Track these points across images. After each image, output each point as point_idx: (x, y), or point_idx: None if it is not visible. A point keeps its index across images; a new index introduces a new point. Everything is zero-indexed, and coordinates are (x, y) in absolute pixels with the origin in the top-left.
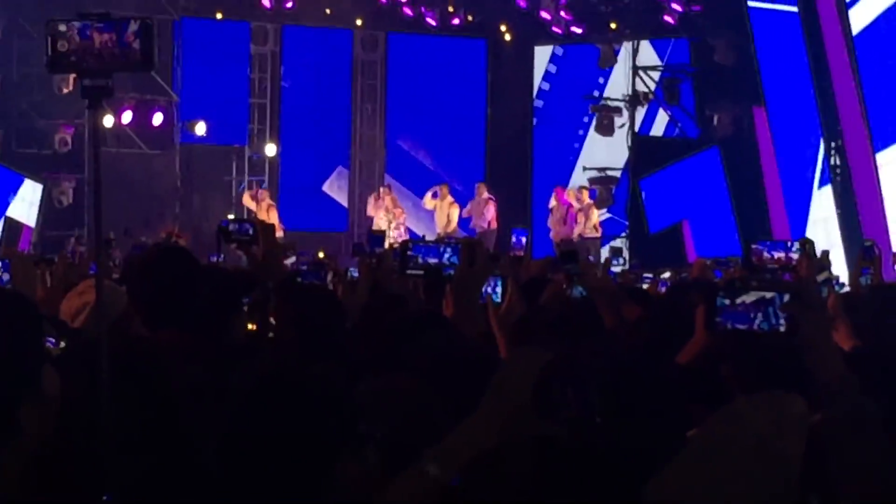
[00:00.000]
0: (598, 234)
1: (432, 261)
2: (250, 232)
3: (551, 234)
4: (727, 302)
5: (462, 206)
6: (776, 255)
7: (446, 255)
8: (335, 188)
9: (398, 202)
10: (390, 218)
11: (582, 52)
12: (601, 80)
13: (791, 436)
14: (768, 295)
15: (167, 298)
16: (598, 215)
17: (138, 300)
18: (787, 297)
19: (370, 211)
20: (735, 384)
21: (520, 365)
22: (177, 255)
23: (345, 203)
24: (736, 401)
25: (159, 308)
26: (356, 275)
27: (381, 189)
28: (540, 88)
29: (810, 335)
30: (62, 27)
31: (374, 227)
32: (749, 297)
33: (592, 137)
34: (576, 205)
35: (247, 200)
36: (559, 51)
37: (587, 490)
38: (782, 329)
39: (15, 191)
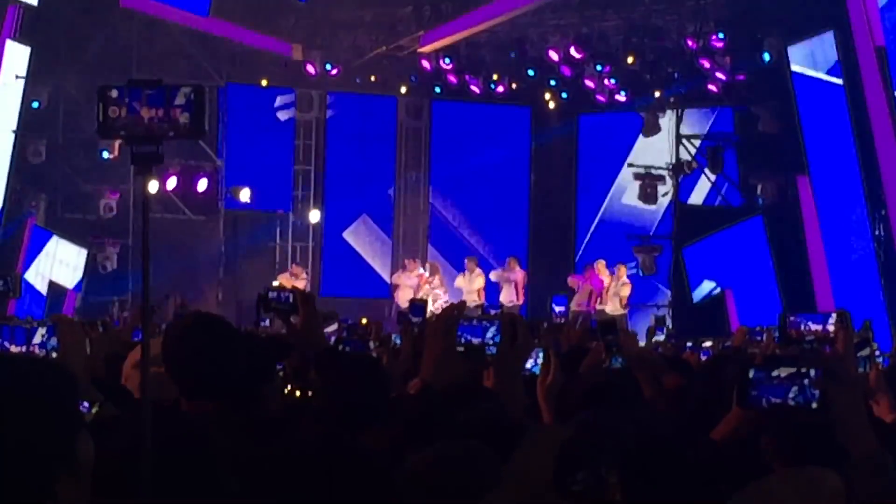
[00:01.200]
0: (626, 312)
1: (475, 340)
2: (290, 301)
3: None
4: (762, 375)
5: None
6: (813, 326)
7: (489, 334)
8: (354, 237)
9: (443, 279)
10: (427, 290)
11: (626, 119)
12: (644, 148)
13: None
14: (802, 369)
15: (201, 367)
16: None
17: (173, 368)
18: (818, 373)
19: (395, 279)
20: (775, 457)
21: (545, 441)
22: (212, 323)
23: (362, 252)
24: (772, 475)
25: (194, 376)
26: (399, 342)
27: (429, 264)
28: (584, 156)
29: (842, 411)
30: (114, 93)
31: (409, 297)
32: (783, 372)
33: (636, 204)
34: (609, 281)
35: (284, 281)
36: (603, 118)
37: None
38: (815, 405)
39: (61, 255)
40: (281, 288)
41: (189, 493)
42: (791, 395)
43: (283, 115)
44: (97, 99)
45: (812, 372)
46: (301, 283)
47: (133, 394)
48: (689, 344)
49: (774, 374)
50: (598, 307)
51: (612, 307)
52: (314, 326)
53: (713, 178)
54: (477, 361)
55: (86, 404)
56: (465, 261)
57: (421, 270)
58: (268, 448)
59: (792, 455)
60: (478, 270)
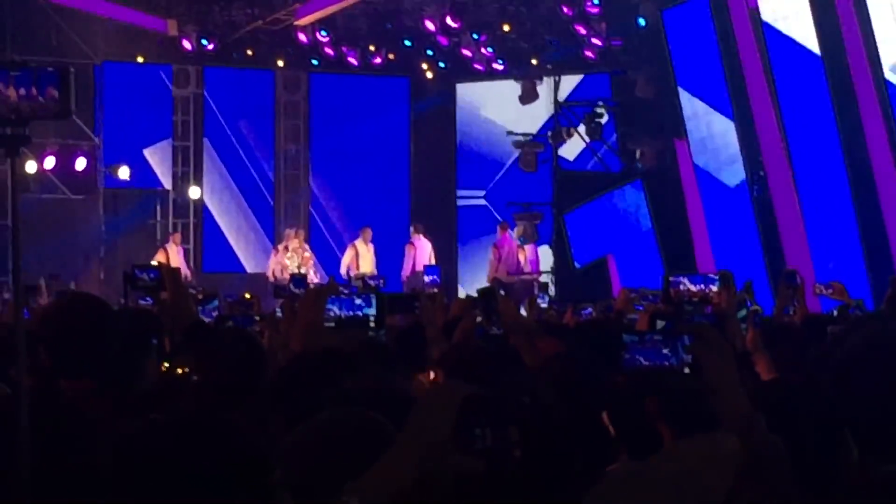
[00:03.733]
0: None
1: (355, 313)
2: (157, 277)
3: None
4: (635, 339)
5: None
6: (694, 288)
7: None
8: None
9: (305, 246)
10: (298, 261)
11: (504, 87)
12: (523, 116)
13: (717, 471)
14: (673, 335)
15: (77, 345)
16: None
17: (51, 348)
18: (690, 338)
19: (271, 264)
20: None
21: (439, 399)
22: (86, 302)
23: (243, 227)
24: (675, 442)
25: (71, 355)
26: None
27: (289, 231)
28: (462, 125)
29: (712, 375)
30: None
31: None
32: (657, 335)
33: (516, 173)
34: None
35: (161, 257)
36: (481, 87)
37: None
38: (687, 369)
39: None
40: (147, 266)
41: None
42: (663, 357)
43: (159, 92)
44: None
45: (685, 337)
46: (176, 252)
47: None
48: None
49: (648, 337)
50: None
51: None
52: (182, 301)
53: (592, 143)
54: (355, 334)
55: None
56: (361, 231)
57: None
58: (138, 424)
59: (675, 417)
60: (371, 244)
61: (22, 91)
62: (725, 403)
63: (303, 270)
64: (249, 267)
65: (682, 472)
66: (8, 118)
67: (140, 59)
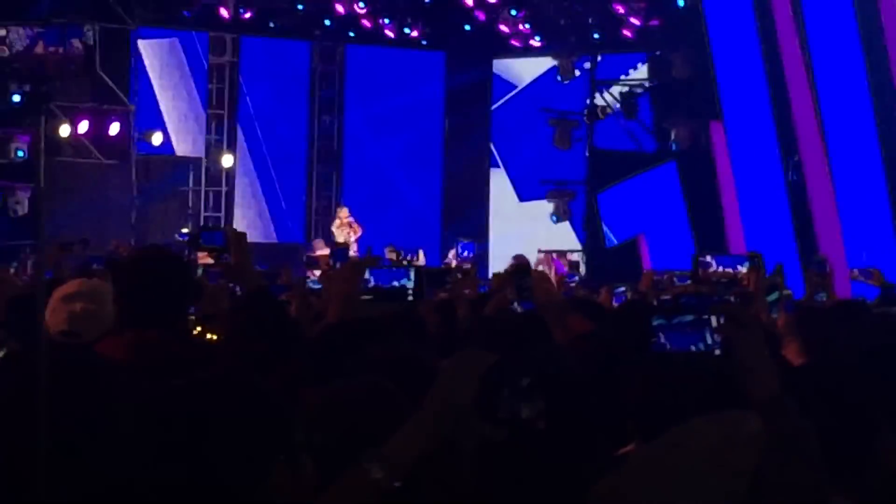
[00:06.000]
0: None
1: (396, 283)
2: (222, 241)
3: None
4: (664, 322)
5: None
6: (724, 269)
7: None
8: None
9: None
10: (348, 234)
11: (540, 64)
12: (559, 94)
13: (742, 451)
14: (704, 316)
15: (151, 297)
16: None
17: (123, 298)
18: (721, 319)
19: (334, 228)
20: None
21: (463, 367)
22: (161, 255)
23: (276, 196)
24: (693, 419)
25: (143, 306)
26: (316, 286)
27: (339, 209)
28: (498, 101)
29: (745, 356)
30: (2, 32)
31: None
32: (686, 318)
33: (550, 150)
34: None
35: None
36: (518, 63)
37: (527, 493)
38: (717, 351)
39: None
40: (215, 227)
41: (85, 431)
42: (693, 342)
43: (195, 60)
44: None
45: (713, 319)
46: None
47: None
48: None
49: (676, 321)
50: None
51: None
52: (247, 266)
53: (627, 123)
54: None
55: None
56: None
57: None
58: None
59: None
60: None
61: (46, 49)
62: (755, 384)
63: (349, 240)
64: (280, 236)
65: (706, 447)
66: (32, 75)
67: (177, 26)
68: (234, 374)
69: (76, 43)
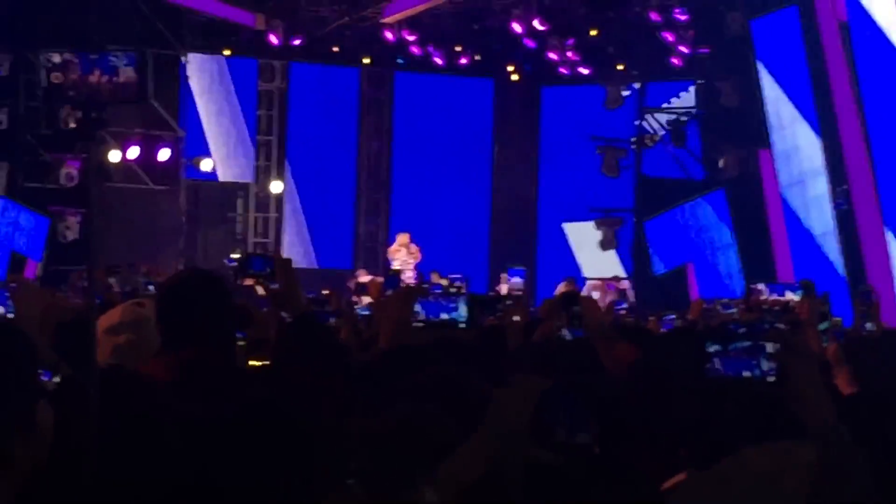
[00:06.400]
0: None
1: (443, 315)
2: (269, 268)
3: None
4: (719, 349)
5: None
6: (776, 296)
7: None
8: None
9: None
10: (407, 258)
11: (588, 93)
12: (607, 121)
13: (795, 480)
14: (759, 343)
15: (196, 320)
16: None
17: (169, 317)
18: (776, 346)
19: (391, 252)
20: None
21: (519, 392)
22: (208, 277)
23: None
24: (746, 449)
25: (184, 326)
26: (364, 313)
27: (399, 235)
28: (546, 128)
29: (800, 384)
30: (56, 59)
31: (392, 268)
32: (741, 344)
33: (598, 178)
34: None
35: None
36: (566, 91)
37: None
38: (771, 378)
39: (21, 225)
40: (261, 254)
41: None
42: (748, 368)
43: (244, 86)
44: (41, 65)
45: (769, 346)
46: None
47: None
48: (650, 318)
49: (732, 347)
50: None
51: None
52: (295, 292)
53: (675, 151)
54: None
55: (48, 373)
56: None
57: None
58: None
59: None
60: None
61: (99, 76)
62: (811, 412)
63: (408, 265)
64: (328, 262)
65: (759, 477)
66: (86, 101)
67: (226, 53)
68: (282, 401)
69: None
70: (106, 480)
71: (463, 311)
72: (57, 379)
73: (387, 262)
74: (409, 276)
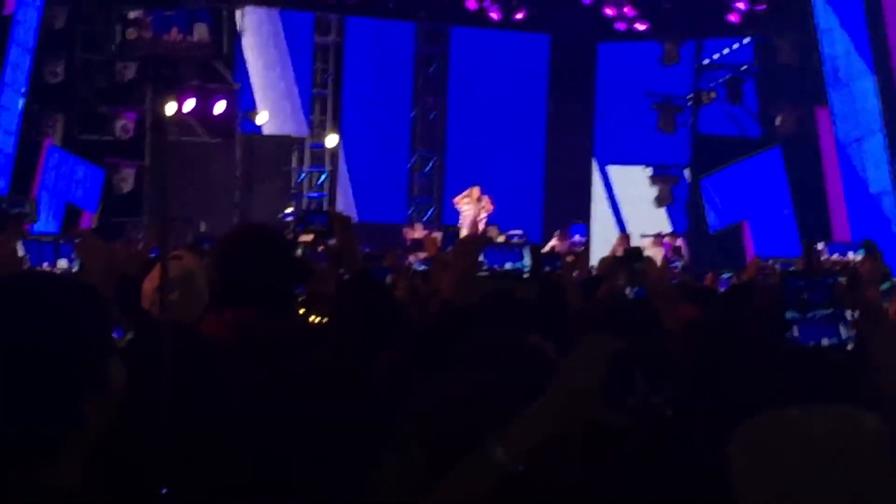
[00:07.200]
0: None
1: (508, 265)
2: (326, 223)
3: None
4: (797, 316)
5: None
6: (838, 256)
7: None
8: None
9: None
10: (478, 210)
11: (645, 49)
12: (664, 78)
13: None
14: (838, 311)
15: (257, 278)
16: None
17: (229, 274)
18: (855, 314)
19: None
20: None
21: (590, 351)
22: (267, 232)
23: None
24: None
25: (247, 286)
26: (421, 268)
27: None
28: (602, 85)
29: (880, 352)
30: (132, 15)
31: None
32: (821, 312)
33: (654, 135)
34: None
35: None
36: (622, 47)
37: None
38: (850, 346)
39: (77, 176)
40: (318, 211)
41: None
42: (828, 335)
43: (300, 40)
44: (115, 20)
45: (847, 313)
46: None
47: (150, 315)
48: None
49: (810, 315)
50: None
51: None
52: (353, 249)
53: (732, 108)
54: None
55: (119, 331)
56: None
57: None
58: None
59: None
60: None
61: (173, 33)
62: (888, 380)
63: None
64: (383, 216)
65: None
66: (159, 57)
67: (282, 6)
68: (341, 363)
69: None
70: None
71: (528, 259)
72: (129, 336)
73: (444, 217)
74: (481, 228)
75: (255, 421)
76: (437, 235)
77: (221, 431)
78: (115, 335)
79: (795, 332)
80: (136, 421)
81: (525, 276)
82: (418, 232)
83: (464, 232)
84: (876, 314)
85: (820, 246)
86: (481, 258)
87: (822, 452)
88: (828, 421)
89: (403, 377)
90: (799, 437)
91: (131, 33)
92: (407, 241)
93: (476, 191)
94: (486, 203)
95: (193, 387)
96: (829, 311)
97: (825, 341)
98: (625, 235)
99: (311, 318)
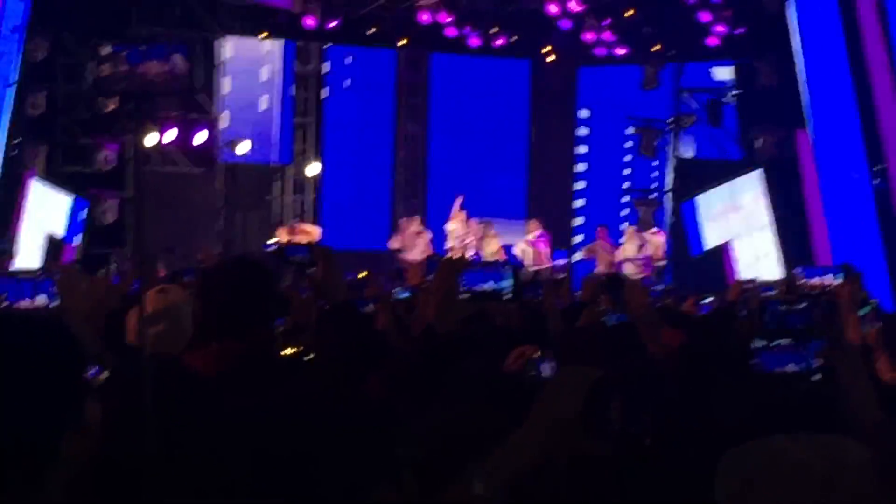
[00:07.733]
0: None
1: (486, 286)
2: (307, 254)
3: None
4: (764, 344)
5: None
6: (817, 279)
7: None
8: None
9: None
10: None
11: (625, 73)
12: (644, 102)
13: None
14: (804, 339)
15: (241, 311)
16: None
17: (211, 307)
18: (822, 342)
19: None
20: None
21: (569, 381)
22: (250, 265)
23: (361, 205)
24: (781, 435)
25: (229, 316)
26: (403, 295)
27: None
28: (583, 109)
29: (846, 380)
30: (106, 50)
31: (449, 241)
32: (785, 340)
33: (635, 159)
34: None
35: (282, 235)
36: (602, 72)
37: None
38: (817, 375)
39: (58, 208)
40: (298, 244)
41: (189, 445)
42: (792, 364)
43: (281, 69)
44: (88, 57)
45: (815, 342)
46: (305, 238)
47: (135, 349)
48: (688, 299)
49: (776, 343)
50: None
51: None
52: (336, 280)
53: (712, 131)
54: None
55: (95, 369)
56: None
57: (419, 228)
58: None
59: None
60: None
61: (149, 66)
62: (857, 409)
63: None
64: (366, 244)
65: (802, 469)
66: (136, 92)
67: (262, 35)
68: (323, 392)
69: (179, 60)
70: (158, 473)
71: (508, 281)
72: (105, 374)
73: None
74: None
75: (241, 454)
76: (420, 262)
77: (206, 464)
78: (91, 374)
79: (762, 359)
80: (119, 454)
81: (506, 297)
82: (415, 225)
83: (450, 243)
84: (842, 341)
85: (798, 270)
86: (462, 280)
87: (810, 482)
88: (816, 450)
89: (389, 406)
90: (787, 466)
91: (105, 69)
92: (403, 234)
93: (462, 215)
94: (475, 227)
95: (179, 420)
96: (795, 339)
97: (792, 367)
98: (634, 228)
99: (290, 349)
